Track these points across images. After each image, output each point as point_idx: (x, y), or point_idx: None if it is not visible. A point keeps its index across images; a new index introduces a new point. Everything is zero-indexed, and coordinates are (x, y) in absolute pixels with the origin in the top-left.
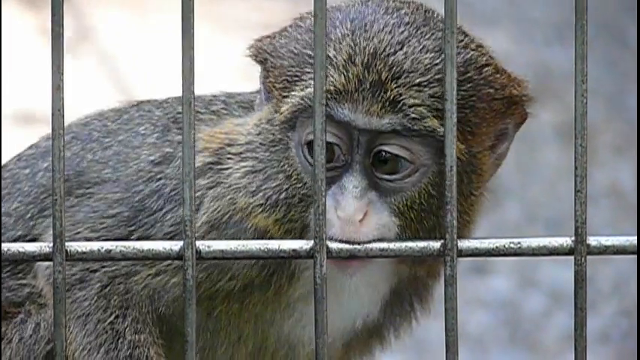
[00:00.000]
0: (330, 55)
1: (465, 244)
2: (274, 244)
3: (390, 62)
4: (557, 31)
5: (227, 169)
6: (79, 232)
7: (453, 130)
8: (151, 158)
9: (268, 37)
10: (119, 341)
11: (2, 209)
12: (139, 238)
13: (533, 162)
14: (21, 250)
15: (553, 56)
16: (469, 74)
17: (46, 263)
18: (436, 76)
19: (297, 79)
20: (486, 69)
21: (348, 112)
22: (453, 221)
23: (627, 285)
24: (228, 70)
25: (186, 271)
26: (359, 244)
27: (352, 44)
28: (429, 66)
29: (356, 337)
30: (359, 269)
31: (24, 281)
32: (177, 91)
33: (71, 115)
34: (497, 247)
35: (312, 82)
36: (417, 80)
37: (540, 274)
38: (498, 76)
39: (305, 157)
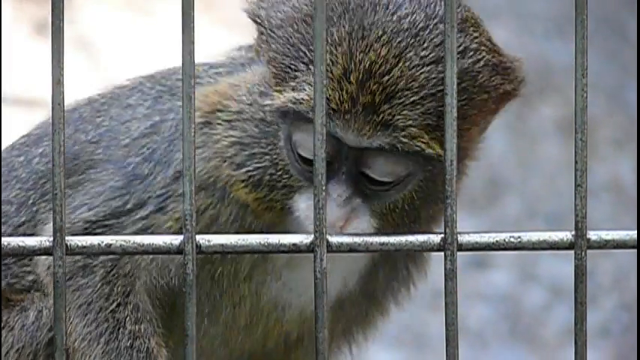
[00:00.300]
0: (327, 60)
1: (464, 238)
2: (274, 239)
3: (384, 82)
4: (557, 25)
5: (216, 134)
6: (78, 215)
7: (453, 125)
8: (141, 130)
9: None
10: (119, 331)
11: (2, 197)
12: (134, 206)
13: (533, 156)
14: (21, 244)
15: (553, 50)
16: (464, 84)
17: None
18: (431, 91)
19: (294, 69)
20: (481, 75)
21: (340, 130)
22: (453, 215)
23: (627, 279)
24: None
25: (186, 266)
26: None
27: (349, 54)
28: (424, 82)
29: (351, 307)
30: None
31: (28, 269)
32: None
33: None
34: (497, 241)
35: (306, 81)
36: (411, 99)
37: (540, 269)
38: (493, 78)
39: (292, 153)
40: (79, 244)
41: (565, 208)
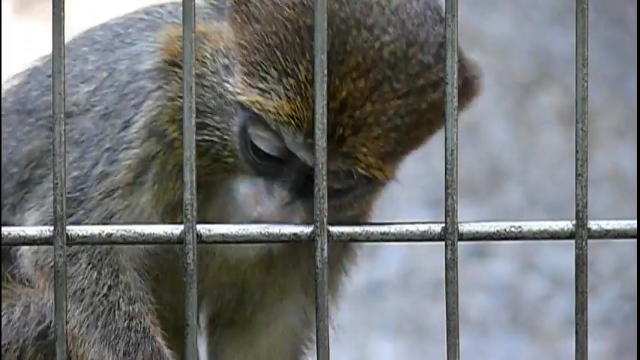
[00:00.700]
0: (302, 76)
1: (465, 227)
2: (275, 228)
3: (356, 116)
4: (558, 15)
5: (171, 92)
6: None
7: (454, 115)
8: (87, 89)
9: None
10: (115, 313)
11: None
12: (90, 169)
13: (534, 146)
14: (22, 233)
15: (554, 40)
16: (428, 115)
17: (33, 248)
18: (397, 123)
19: (264, 70)
20: (435, 94)
21: (303, 152)
22: (454, 205)
23: (628, 269)
24: None
25: (186, 255)
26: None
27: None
28: (392, 115)
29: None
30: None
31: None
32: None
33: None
34: (498, 230)
35: (274, 91)
36: (377, 132)
37: (541, 259)
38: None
39: (244, 142)
40: (80, 233)
41: (566, 197)
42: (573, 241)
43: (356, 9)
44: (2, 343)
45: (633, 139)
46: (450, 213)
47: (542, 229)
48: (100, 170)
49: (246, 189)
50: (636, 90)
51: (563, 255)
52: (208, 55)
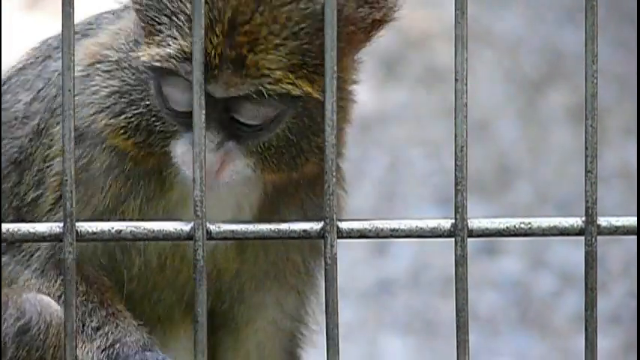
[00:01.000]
0: (189, 10)
1: (475, 224)
2: (285, 226)
3: (247, 31)
4: (568, 13)
5: (95, 85)
6: None
7: (464, 111)
8: (25, 99)
9: None
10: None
11: None
12: (27, 189)
13: (544, 143)
14: (31, 230)
15: (564, 38)
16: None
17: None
18: (293, 30)
19: (158, 22)
20: (347, 8)
21: (207, 84)
22: (464, 201)
23: (637, 266)
24: None
25: (196, 252)
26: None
27: (211, 3)
28: (285, 22)
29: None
30: (223, 183)
31: None
32: None
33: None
34: (507, 227)
35: (170, 35)
36: (274, 42)
37: (551, 255)
38: (360, 10)
39: (163, 104)
40: (89, 230)
41: (575, 195)
42: (583, 238)
43: None
44: None
45: None
46: (460, 209)
47: (551, 225)
48: (31, 197)
49: (179, 149)
50: (636, 85)
51: (573, 252)
52: (122, 45)
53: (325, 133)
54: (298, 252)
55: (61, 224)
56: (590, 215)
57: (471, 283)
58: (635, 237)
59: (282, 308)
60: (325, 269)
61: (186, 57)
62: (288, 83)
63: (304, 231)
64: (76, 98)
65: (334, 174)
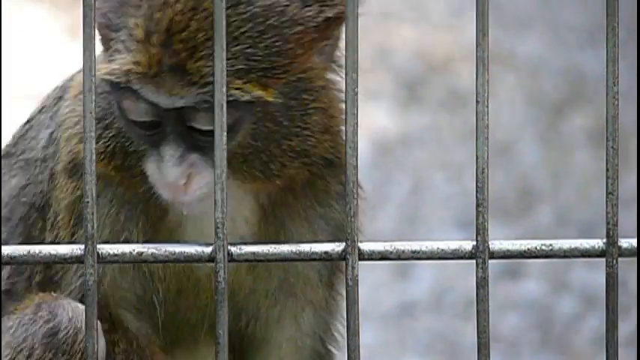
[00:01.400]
0: (131, 24)
1: (496, 245)
2: (306, 247)
3: (184, 38)
4: (590, 36)
5: (77, 115)
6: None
7: (485, 133)
8: (42, 144)
9: None
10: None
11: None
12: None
13: (565, 166)
14: (53, 252)
15: (586, 61)
16: (270, 21)
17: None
18: (234, 34)
19: (108, 38)
20: (289, 9)
21: (152, 93)
22: (485, 223)
23: None
24: None
25: (217, 273)
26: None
27: (148, 14)
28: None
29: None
30: (191, 203)
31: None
32: None
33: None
34: (529, 248)
35: (117, 50)
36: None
37: (572, 277)
38: (307, 9)
39: (125, 120)
40: (111, 252)
41: (597, 217)
42: (604, 260)
43: None
44: (13, 345)
45: None
46: (481, 231)
47: (572, 247)
48: (49, 239)
49: (150, 169)
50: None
51: (595, 274)
52: (99, 65)
53: (347, 155)
54: (310, 265)
55: (82, 246)
56: (612, 237)
57: (492, 305)
58: None
59: (300, 325)
60: (347, 291)
61: (130, 69)
62: (235, 89)
63: (325, 253)
64: (68, 131)
65: (356, 196)
